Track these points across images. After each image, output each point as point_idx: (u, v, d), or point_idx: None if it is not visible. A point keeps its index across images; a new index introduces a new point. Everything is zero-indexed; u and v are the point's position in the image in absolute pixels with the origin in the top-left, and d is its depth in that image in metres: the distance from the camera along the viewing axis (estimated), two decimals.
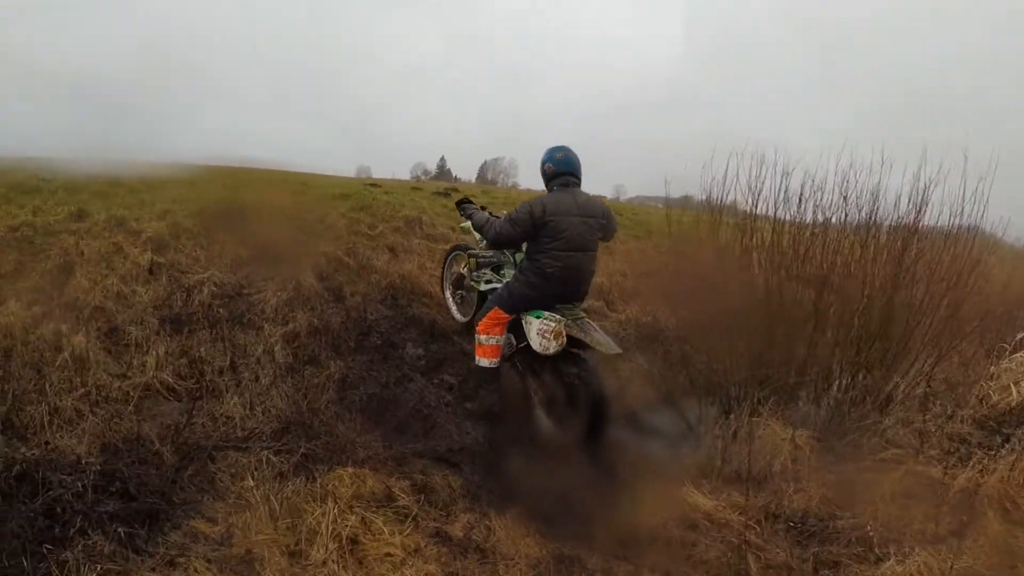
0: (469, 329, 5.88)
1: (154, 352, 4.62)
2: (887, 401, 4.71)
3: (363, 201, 9.53)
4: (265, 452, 3.77)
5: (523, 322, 4.75)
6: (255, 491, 3.35)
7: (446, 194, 12.45)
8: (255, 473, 3.56)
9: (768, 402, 4.58)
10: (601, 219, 4.72)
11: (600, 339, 4.40)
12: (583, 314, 4.70)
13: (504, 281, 5.17)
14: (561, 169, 4.71)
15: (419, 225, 8.65)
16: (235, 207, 7.75)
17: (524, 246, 4.87)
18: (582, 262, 4.64)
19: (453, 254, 6.27)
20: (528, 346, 4.73)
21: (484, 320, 4.82)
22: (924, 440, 4.27)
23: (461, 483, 3.86)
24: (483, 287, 5.41)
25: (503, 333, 4.84)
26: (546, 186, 4.79)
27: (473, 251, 5.49)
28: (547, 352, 4.52)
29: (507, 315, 4.77)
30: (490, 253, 5.39)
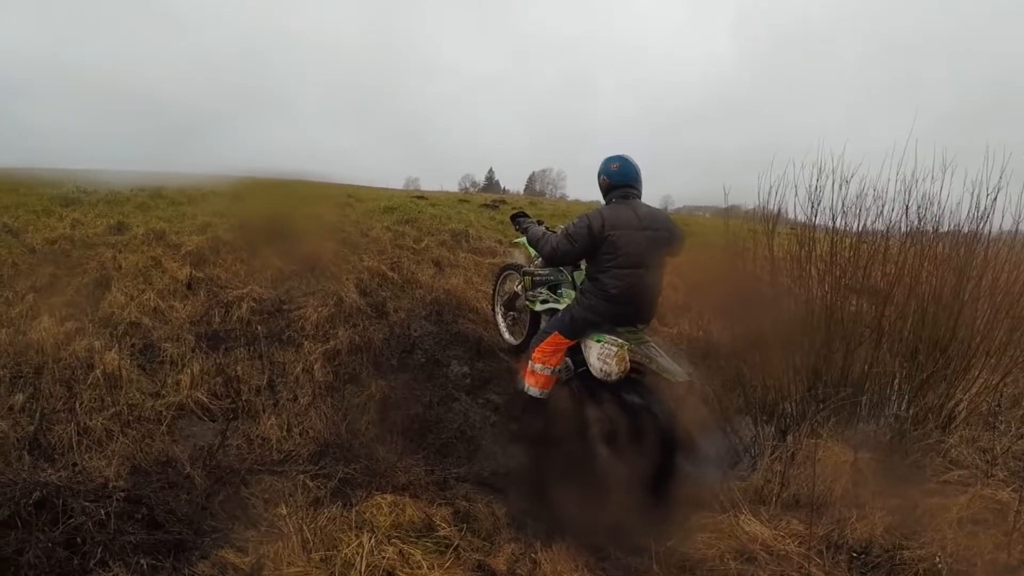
0: (519, 352, 5.54)
1: (189, 370, 4.46)
2: (950, 419, 4.37)
3: (409, 214, 9.36)
4: (301, 476, 3.57)
5: (582, 345, 4.38)
6: (288, 519, 3.12)
7: (494, 206, 12.25)
8: (290, 499, 3.35)
9: (827, 422, 4.26)
10: (665, 232, 4.31)
11: (666, 365, 4.05)
12: (648, 338, 4.34)
13: (561, 301, 4.81)
14: (618, 181, 4.36)
15: (465, 239, 8.43)
16: (278, 220, 7.63)
17: (583, 265, 4.56)
18: (646, 280, 4.25)
19: (505, 273, 5.91)
20: (587, 371, 4.35)
21: (542, 346, 4.42)
22: (991, 461, 3.95)
23: (506, 511, 3.57)
24: (539, 307, 5.04)
25: (561, 362, 4.45)
26: (604, 199, 4.48)
27: (528, 269, 5.16)
28: (608, 378, 4.13)
29: (568, 340, 4.38)
30: (546, 271, 5.01)
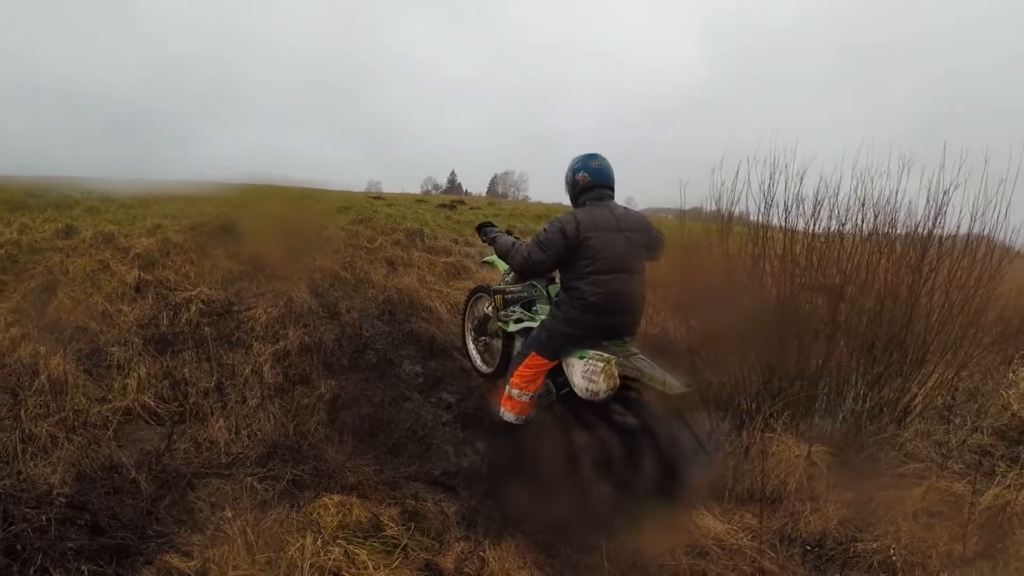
0: (493, 380, 5.33)
1: (136, 374, 4.42)
2: (905, 413, 4.45)
3: (364, 214, 9.34)
4: (249, 479, 3.57)
5: (564, 365, 4.12)
6: (234, 522, 3.13)
7: (451, 207, 12.25)
8: (236, 502, 3.35)
9: (782, 416, 4.27)
10: (644, 234, 4.11)
11: (660, 377, 3.79)
12: (636, 349, 4.10)
13: (536, 318, 4.51)
14: (597, 180, 4.12)
15: (420, 238, 8.43)
16: (229, 221, 7.59)
17: (557, 276, 4.40)
18: (629, 285, 3.99)
19: (476, 296, 5.61)
20: (571, 392, 4.10)
21: (520, 370, 4.16)
22: (946, 454, 4.06)
23: (456, 509, 3.61)
24: (512, 327, 4.74)
25: (541, 386, 4.22)
26: (574, 201, 4.23)
27: (498, 286, 4.92)
28: (596, 398, 3.90)
29: (547, 361, 4.13)
30: (518, 287, 4.76)
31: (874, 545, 3.24)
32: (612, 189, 4.18)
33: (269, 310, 5.50)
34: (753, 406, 4.55)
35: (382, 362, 5.27)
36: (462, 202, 13.06)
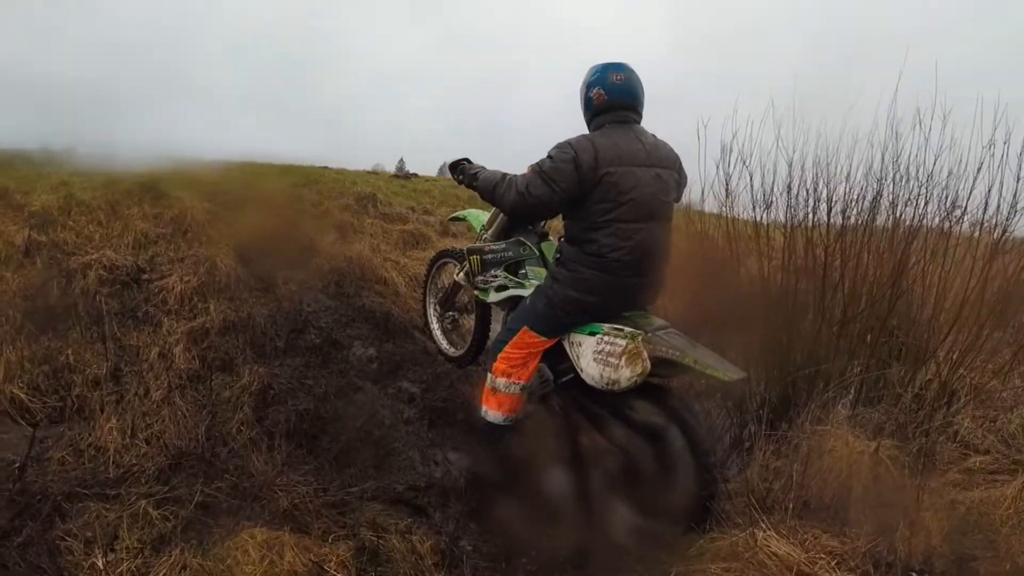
0: (462, 364, 4.49)
1: (4, 358, 3.39)
2: (951, 396, 3.76)
3: (309, 177, 8.19)
4: (143, 502, 2.61)
5: (566, 344, 3.24)
6: (111, 572, 2.20)
7: (405, 177, 11.15)
8: (118, 541, 2.41)
9: (834, 405, 3.59)
10: (675, 173, 3.22)
11: (708, 360, 2.90)
12: (665, 323, 3.18)
13: (527, 284, 3.56)
14: (617, 100, 3.10)
15: (373, 203, 7.28)
16: (150, 180, 6.50)
17: (554, 226, 3.62)
18: (659, 238, 3.09)
19: (441, 262, 4.62)
20: (576, 378, 3.21)
21: (507, 351, 3.26)
22: (1010, 443, 3.45)
23: (431, 542, 2.68)
24: (493, 296, 3.77)
25: (535, 372, 3.31)
26: (588, 125, 3.21)
27: (475, 245, 3.92)
28: (615, 387, 3.01)
29: (545, 339, 3.22)
30: (501, 244, 3.73)
31: (998, 566, 2.49)
32: (639, 112, 3.18)
33: (186, 279, 4.44)
34: (784, 394, 3.81)
35: (327, 344, 4.27)
36: (416, 175, 12.01)
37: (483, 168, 3.49)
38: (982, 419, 3.72)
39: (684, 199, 3.69)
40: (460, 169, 3.62)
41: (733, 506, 2.98)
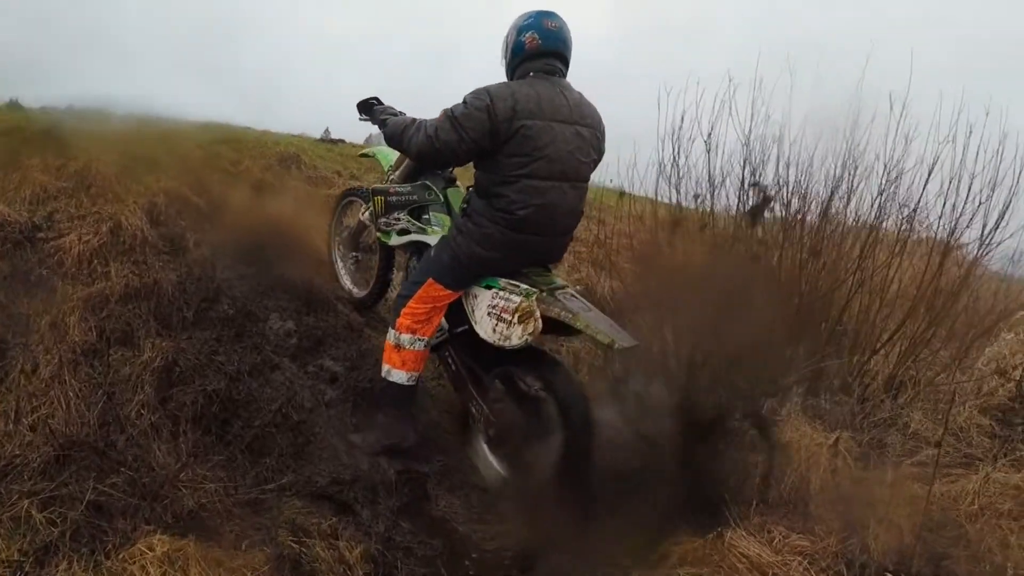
0: (366, 306, 4.48)
1: None
2: (898, 389, 3.97)
3: (229, 135, 7.67)
4: (24, 502, 2.29)
5: (463, 296, 3.20)
6: None
7: (332, 142, 10.65)
8: None
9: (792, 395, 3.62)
10: (597, 131, 3.11)
11: (599, 325, 2.82)
12: (564, 283, 3.13)
13: (429, 231, 3.50)
14: (550, 46, 2.99)
15: (297, 165, 6.86)
16: (54, 129, 5.97)
17: (456, 177, 3.56)
18: (570, 200, 3.03)
19: (347, 200, 4.54)
20: (468, 331, 3.18)
21: (411, 305, 3.16)
22: (960, 436, 3.65)
23: (361, 548, 2.47)
24: (395, 239, 3.73)
25: (438, 326, 3.24)
26: (509, 73, 3.10)
27: (380, 186, 3.82)
28: (505, 344, 2.94)
29: (450, 292, 3.14)
30: (406, 187, 3.67)
31: (977, 566, 2.49)
32: (567, 64, 3.08)
33: (86, 238, 4.04)
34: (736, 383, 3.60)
35: (241, 316, 3.93)
36: (343, 141, 11.52)
37: (394, 112, 3.31)
38: (932, 412, 3.83)
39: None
40: (371, 109, 3.44)
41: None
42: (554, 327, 2.92)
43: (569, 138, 2.92)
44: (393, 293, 4.23)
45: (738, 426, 3.22)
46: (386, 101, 3.53)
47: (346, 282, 4.56)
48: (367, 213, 4.06)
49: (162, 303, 3.73)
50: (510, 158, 2.85)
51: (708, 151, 4.09)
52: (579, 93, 3.07)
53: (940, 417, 3.73)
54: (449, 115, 2.85)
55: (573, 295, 3.02)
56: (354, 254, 4.55)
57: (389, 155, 4.15)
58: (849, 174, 3.92)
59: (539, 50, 2.97)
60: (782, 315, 3.75)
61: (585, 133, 3.01)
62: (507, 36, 3.07)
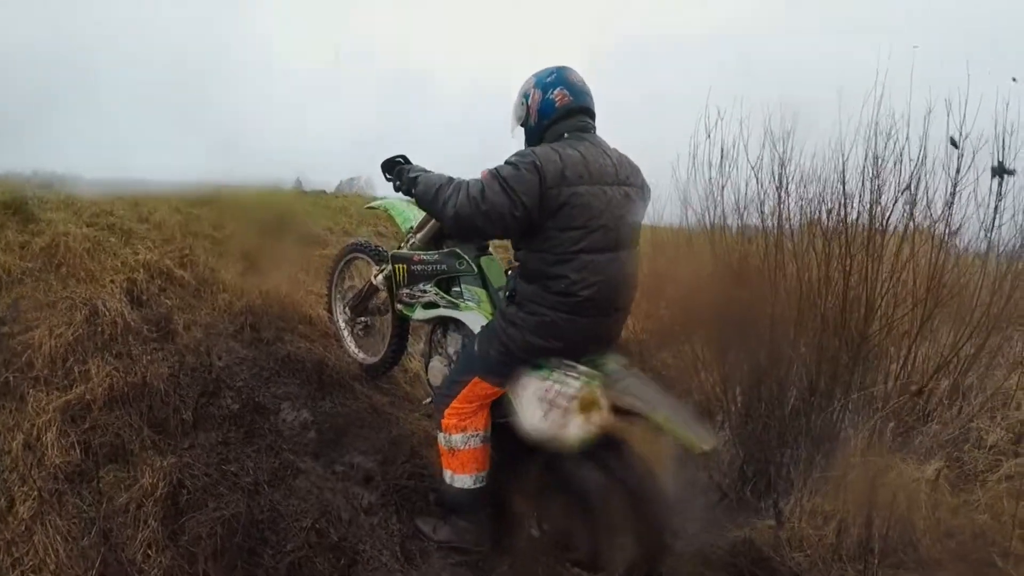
0: (377, 374, 3.98)
1: None
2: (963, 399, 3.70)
3: (204, 193, 7.02)
4: None
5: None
6: None
7: (311, 194, 10.09)
8: None
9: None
10: (641, 189, 2.76)
11: (679, 419, 2.40)
12: (622, 362, 2.71)
13: (463, 306, 3.04)
14: (580, 102, 2.68)
15: (285, 224, 6.26)
16: (12, 204, 5.36)
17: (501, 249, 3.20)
18: (627, 269, 2.66)
19: (350, 256, 4.05)
20: (508, 424, 2.73)
21: (457, 403, 2.75)
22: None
23: None
24: (420, 314, 3.26)
25: (488, 421, 2.80)
26: (537, 137, 2.74)
27: (401, 251, 3.33)
28: (560, 436, 2.49)
29: (498, 388, 2.72)
30: (433, 255, 3.18)
31: None
32: (594, 119, 2.76)
33: (59, 331, 3.39)
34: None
35: (247, 410, 3.36)
36: (324, 191, 11.00)
37: (425, 170, 2.82)
38: (1000, 419, 3.60)
39: None
40: (397, 169, 2.93)
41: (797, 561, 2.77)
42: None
43: (621, 202, 2.61)
44: (408, 360, 4.03)
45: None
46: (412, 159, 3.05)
47: (352, 348, 4.08)
48: (381, 277, 3.56)
49: (155, 404, 3.14)
50: (564, 232, 2.49)
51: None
52: (616, 149, 2.74)
53: (1003, 421, 3.59)
54: (495, 175, 2.47)
55: (640, 377, 2.64)
56: (363, 319, 4.03)
57: (406, 212, 3.65)
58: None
59: (570, 107, 2.67)
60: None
61: (633, 194, 2.69)
62: (527, 97, 2.75)
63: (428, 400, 3.35)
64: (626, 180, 2.65)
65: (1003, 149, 3.36)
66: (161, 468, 2.66)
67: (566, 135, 2.62)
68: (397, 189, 2.93)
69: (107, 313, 3.65)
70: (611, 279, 2.56)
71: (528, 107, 2.73)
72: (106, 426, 2.90)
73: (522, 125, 2.81)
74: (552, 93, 2.67)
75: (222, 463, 2.89)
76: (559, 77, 2.70)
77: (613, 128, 2.81)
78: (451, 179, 2.64)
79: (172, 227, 5.09)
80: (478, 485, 2.78)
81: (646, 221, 3.11)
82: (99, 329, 3.52)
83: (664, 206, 4.04)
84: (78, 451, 2.74)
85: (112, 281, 4.05)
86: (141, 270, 4.27)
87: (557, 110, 2.66)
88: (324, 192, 9.81)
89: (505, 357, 2.64)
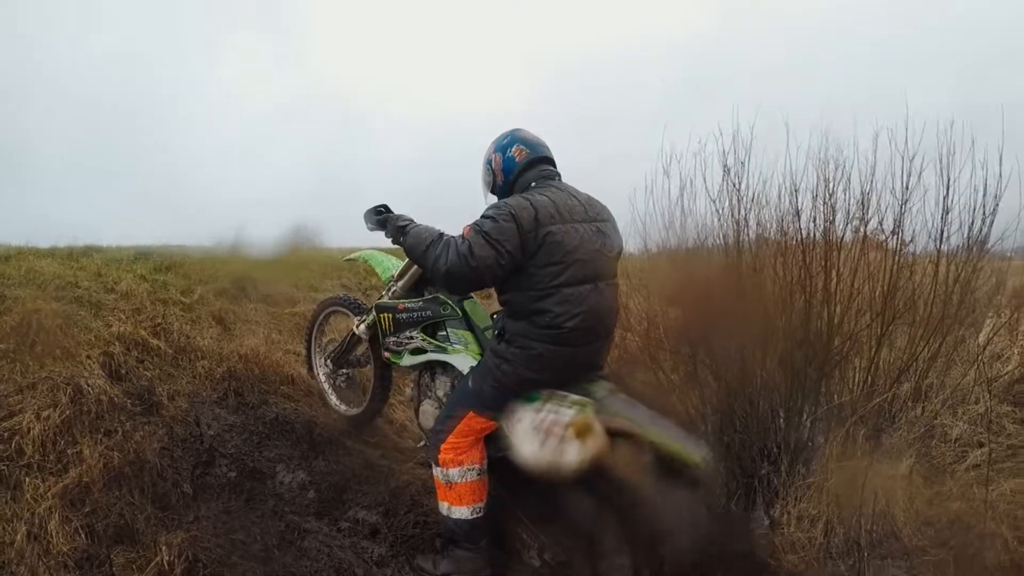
0: (362, 424, 4.01)
1: None
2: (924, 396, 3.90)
3: (168, 259, 6.92)
4: None
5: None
6: None
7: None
8: None
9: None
10: (612, 224, 2.97)
11: (670, 435, 2.53)
12: (610, 385, 2.83)
13: (451, 350, 3.12)
14: (541, 152, 2.94)
15: (252, 284, 6.26)
16: None
17: (475, 296, 3.20)
18: (607, 298, 2.81)
19: (328, 310, 4.14)
20: (503, 458, 2.80)
21: (450, 440, 2.82)
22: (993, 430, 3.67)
23: None
24: (408, 360, 3.30)
25: (484, 455, 2.88)
26: (505, 193, 2.91)
27: (385, 301, 3.42)
28: (558, 464, 2.50)
29: (491, 422, 2.80)
30: (417, 302, 3.27)
31: None
32: (555, 167, 3.00)
33: (45, 413, 3.34)
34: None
35: (244, 476, 3.38)
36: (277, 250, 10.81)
37: (412, 221, 2.94)
38: (961, 414, 3.84)
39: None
40: (382, 219, 3.04)
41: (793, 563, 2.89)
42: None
43: (593, 237, 2.77)
44: (392, 410, 4.11)
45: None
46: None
47: (335, 401, 4.12)
48: (363, 327, 3.63)
49: (153, 480, 3.13)
50: (543, 269, 2.64)
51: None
52: (584, 193, 2.94)
53: (963, 416, 3.83)
54: (479, 230, 2.61)
55: (627, 400, 2.73)
56: (344, 371, 4.12)
57: (385, 262, 3.75)
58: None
59: (529, 159, 2.92)
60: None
61: (605, 228, 2.87)
62: (489, 163, 3.01)
63: (422, 443, 3.39)
64: (596, 216, 2.83)
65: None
66: (175, 545, 2.63)
67: (533, 184, 2.82)
68: (388, 237, 3.01)
69: (91, 391, 3.60)
70: (593, 308, 2.68)
71: (493, 171, 2.96)
72: (108, 507, 2.87)
73: (492, 191, 3.01)
74: (510, 151, 2.91)
75: (229, 532, 2.89)
76: (513, 137, 2.95)
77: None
78: (441, 234, 2.76)
79: (140, 296, 5.01)
80: (475, 516, 2.83)
81: None
82: (85, 408, 3.47)
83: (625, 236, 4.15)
84: (83, 536, 2.70)
85: (88, 356, 3.99)
86: (116, 343, 4.22)
87: (518, 164, 2.89)
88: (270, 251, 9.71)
89: (499, 392, 2.73)
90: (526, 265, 2.64)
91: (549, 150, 2.99)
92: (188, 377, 4.19)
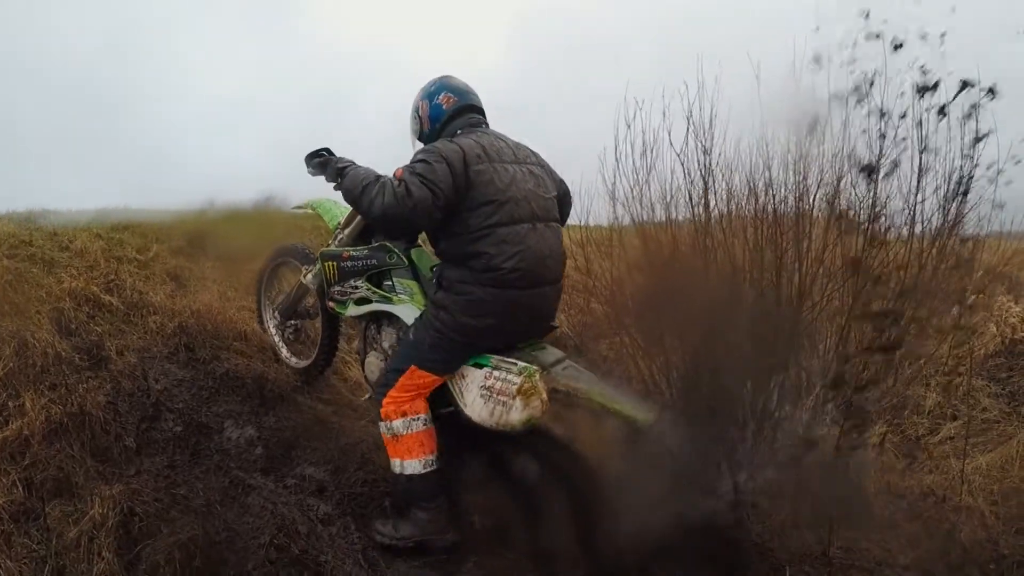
0: (312, 375, 4.01)
1: None
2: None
3: (125, 218, 6.84)
4: None
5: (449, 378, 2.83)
6: None
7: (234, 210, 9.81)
8: None
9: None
10: (548, 170, 3.01)
11: (617, 397, 2.56)
12: (561, 354, 2.81)
13: (395, 299, 3.06)
14: (469, 100, 2.95)
15: (213, 241, 6.15)
16: None
17: (423, 242, 3.11)
18: (548, 240, 2.79)
19: (278, 261, 4.10)
20: (453, 413, 2.83)
21: (392, 395, 2.78)
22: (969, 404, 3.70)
23: None
24: (352, 310, 3.24)
25: (427, 406, 2.84)
26: (429, 138, 2.94)
27: (330, 249, 3.34)
28: (505, 428, 2.59)
29: (436, 376, 2.78)
30: (363, 250, 3.19)
31: None
32: (484, 116, 3.02)
33: None
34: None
35: (191, 431, 3.38)
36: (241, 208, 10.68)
37: (353, 163, 2.88)
38: (934, 386, 3.87)
39: None
40: (323, 162, 2.97)
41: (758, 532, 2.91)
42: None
43: (525, 177, 2.78)
44: (348, 367, 4.15)
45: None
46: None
47: (285, 353, 4.12)
48: (310, 277, 3.58)
49: (96, 434, 3.11)
50: (476, 210, 2.64)
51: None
52: (514, 139, 2.96)
53: (936, 387, 3.87)
54: (413, 171, 2.59)
55: (576, 367, 2.75)
56: (292, 322, 4.09)
57: (333, 209, 3.70)
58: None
59: (457, 107, 2.92)
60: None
61: (536, 171, 2.88)
62: (417, 110, 3.01)
63: (367, 396, 3.40)
64: (526, 159, 2.85)
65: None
66: (110, 497, 2.64)
67: (459, 132, 2.81)
68: (323, 175, 2.99)
69: (36, 345, 3.57)
70: (532, 249, 2.67)
71: (420, 118, 2.96)
72: (47, 460, 2.85)
73: (420, 139, 3.00)
74: (438, 99, 2.92)
75: (171, 487, 2.89)
76: (441, 84, 2.96)
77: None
78: (378, 177, 2.70)
79: (95, 253, 4.95)
80: (428, 469, 2.80)
81: (573, 221, 3.21)
82: (30, 362, 3.44)
83: (593, 201, 4.10)
84: (21, 489, 2.69)
85: (38, 312, 3.95)
86: (67, 299, 4.18)
87: (446, 112, 2.91)
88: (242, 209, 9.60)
89: (441, 342, 2.71)
90: (459, 209, 2.64)
91: (478, 98, 3.00)
92: (139, 333, 4.16)
